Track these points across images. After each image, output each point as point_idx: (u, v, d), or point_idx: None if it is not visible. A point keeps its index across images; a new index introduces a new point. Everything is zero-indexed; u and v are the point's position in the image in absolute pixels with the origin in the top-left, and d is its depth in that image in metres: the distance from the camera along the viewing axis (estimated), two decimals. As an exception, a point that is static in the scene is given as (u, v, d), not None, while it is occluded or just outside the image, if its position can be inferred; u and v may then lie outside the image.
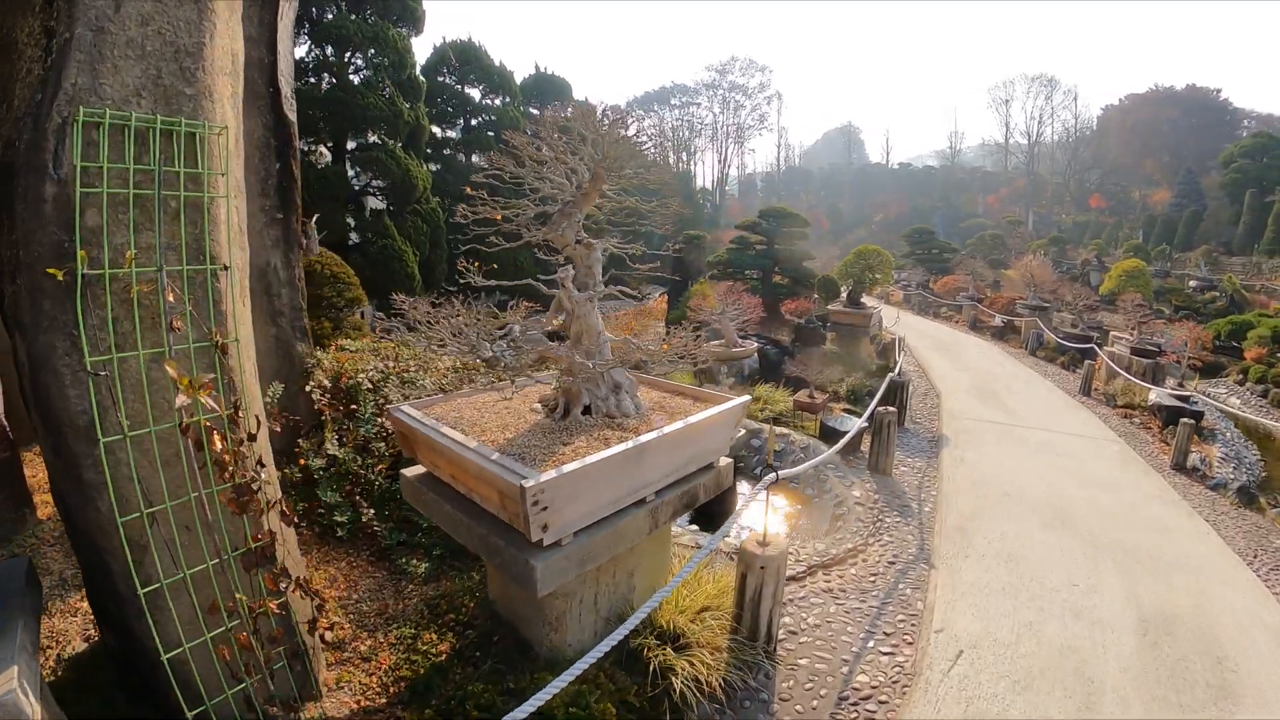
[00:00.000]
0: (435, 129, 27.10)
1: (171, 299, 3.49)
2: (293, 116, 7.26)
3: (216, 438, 3.64)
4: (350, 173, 23.81)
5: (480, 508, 4.22)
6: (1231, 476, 11.91)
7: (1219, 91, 70.08)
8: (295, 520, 4.83)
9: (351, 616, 5.26)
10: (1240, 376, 19.94)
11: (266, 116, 6.88)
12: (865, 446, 10.19)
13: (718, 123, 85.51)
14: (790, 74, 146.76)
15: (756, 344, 14.72)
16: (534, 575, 3.75)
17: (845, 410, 12.42)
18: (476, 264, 4.78)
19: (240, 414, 3.86)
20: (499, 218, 4.81)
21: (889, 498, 8.91)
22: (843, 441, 8.31)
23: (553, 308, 4.86)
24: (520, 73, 35.99)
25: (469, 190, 4.85)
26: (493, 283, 4.74)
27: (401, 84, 23.36)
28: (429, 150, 25.93)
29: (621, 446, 4.05)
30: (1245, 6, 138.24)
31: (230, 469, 3.68)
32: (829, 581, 6.60)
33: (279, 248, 7.55)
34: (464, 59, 27.24)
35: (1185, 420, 11.31)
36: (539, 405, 4.97)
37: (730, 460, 5.25)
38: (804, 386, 12.32)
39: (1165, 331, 22.11)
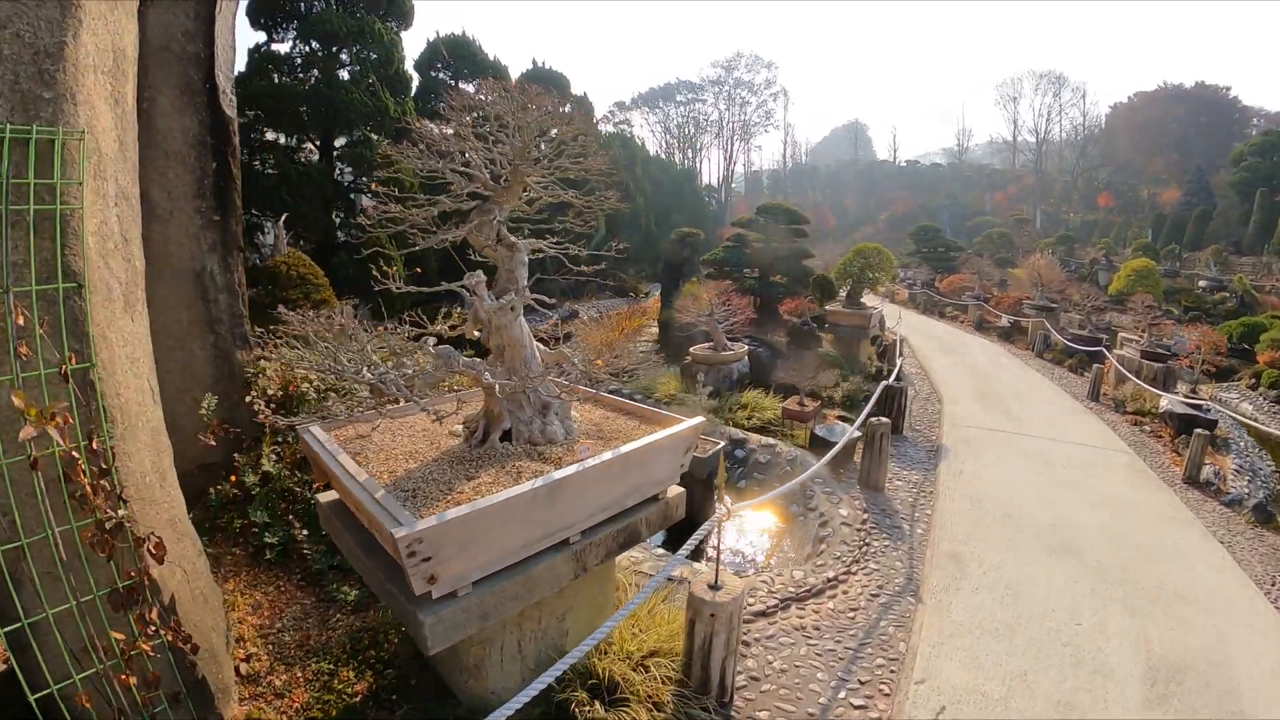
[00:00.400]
0: (431, 125, 26.57)
1: (21, 321, 3.13)
2: (232, 113, 6.86)
3: (78, 470, 3.28)
4: (338, 170, 23.29)
5: (379, 544, 3.65)
6: (1246, 492, 11.23)
7: (1228, 89, 69.57)
8: (202, 548, 4.32)
9: (271, 647, 4.83)
10: (1253, 381, 19.19)
11: (203, 114, 6.46)
12: (859, 457, 9.53)
13: (723, 120, 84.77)
14: (797, 71, 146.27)
15: (748, 346, 14.10)
16: (422, 631, 3.24)
17: (839, 418, 11.78)
18: (393, 269, 4.15)
19: (98, 444, 3.39)
20: (417, 215, 4.20)
21: (879, 517, 8.27)
22: (830, 455, 7.69)
23: (470, 318, 4.24)
24: (519, 68, 35.50)
25: (374, 187, 4.25)
26: (442, 287, 4.15)
27: (389, 79, 22.76)
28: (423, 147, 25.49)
29: (529, 485, 3.44)
30: (1254, 5, 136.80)
31: (93, 504, 3.30)
32: (803, 618, 5.97)
33: (216, 251, 7.05)
34: (456, 54, 26.65)
35: (1199, 431, 10.63)
36: (461, 428, 4.37)
37: (681, 490, 4.64)
38: (795, 393, 11.67)
39: (1176, 334, 21.45)
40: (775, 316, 19.64)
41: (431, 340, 4.21)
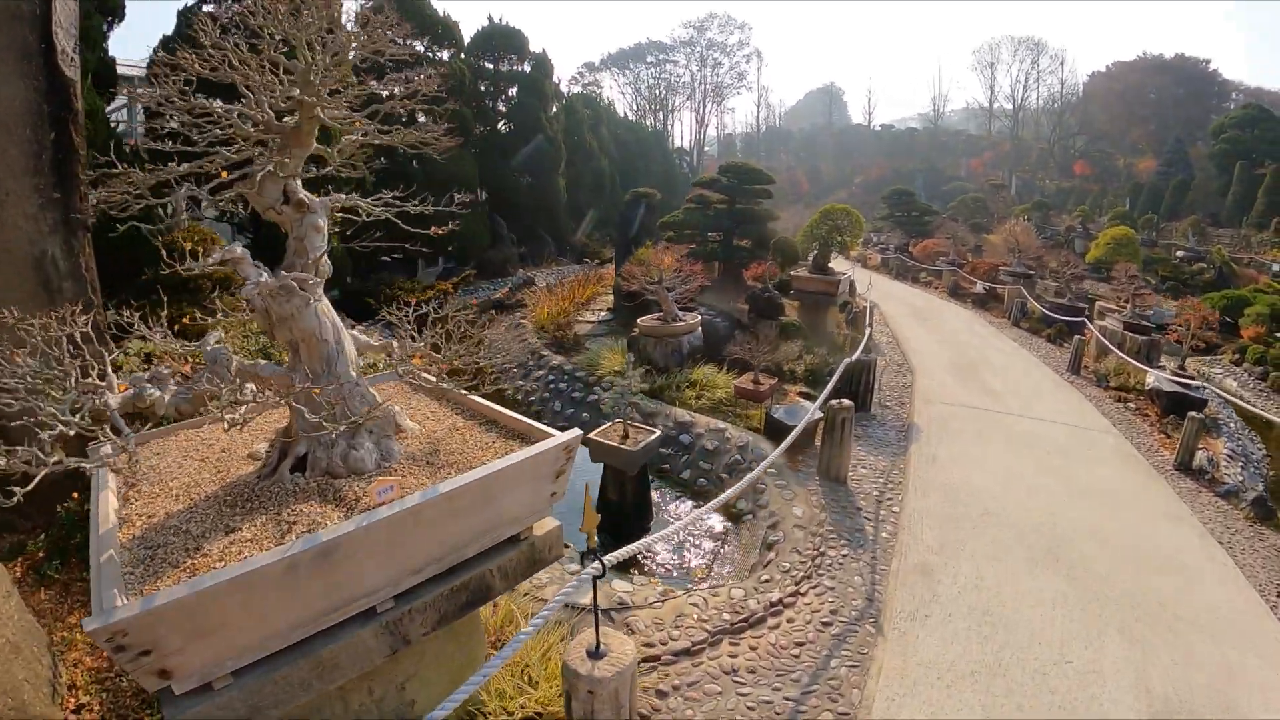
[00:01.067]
0: (382, 88, 24.66)
1: None
2: (74, 75, 5.96)
3: None
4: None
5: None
6: (1242, 480, 10.31)
7: (1208, 62, 68.57)
8: None
9: (107, 694, 4.04)
10: (1237, 356, 18.37)
11: (38, 79, 5.63)
12: (820, 441, 8.42)
13: (695, 81, 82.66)
14: (773, 33, 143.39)
15: (706, 315, 12.93)
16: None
17: (801, 395, 10.68)
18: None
19: None
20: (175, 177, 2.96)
21: (838, 516, 7.18)
22: (784, 444, 6.56)
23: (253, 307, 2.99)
24: (475, 24, 33.54)
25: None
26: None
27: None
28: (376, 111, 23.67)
29: (282, 552, 2.27)
30: None
31: None
32: (736, 656, 4.86)
33: (58, 233, 6.07)
34: (401, 8, 24.78)
35: (1193, 415, 9.64)
36: (265, 447, 3.16)
37: (556, 525, 3.49)
38: (751, 368, 10.51)
39: (1160, 306, 20.60)
40: (740, 283, 18.46)
41: (212, 338, 2.98)
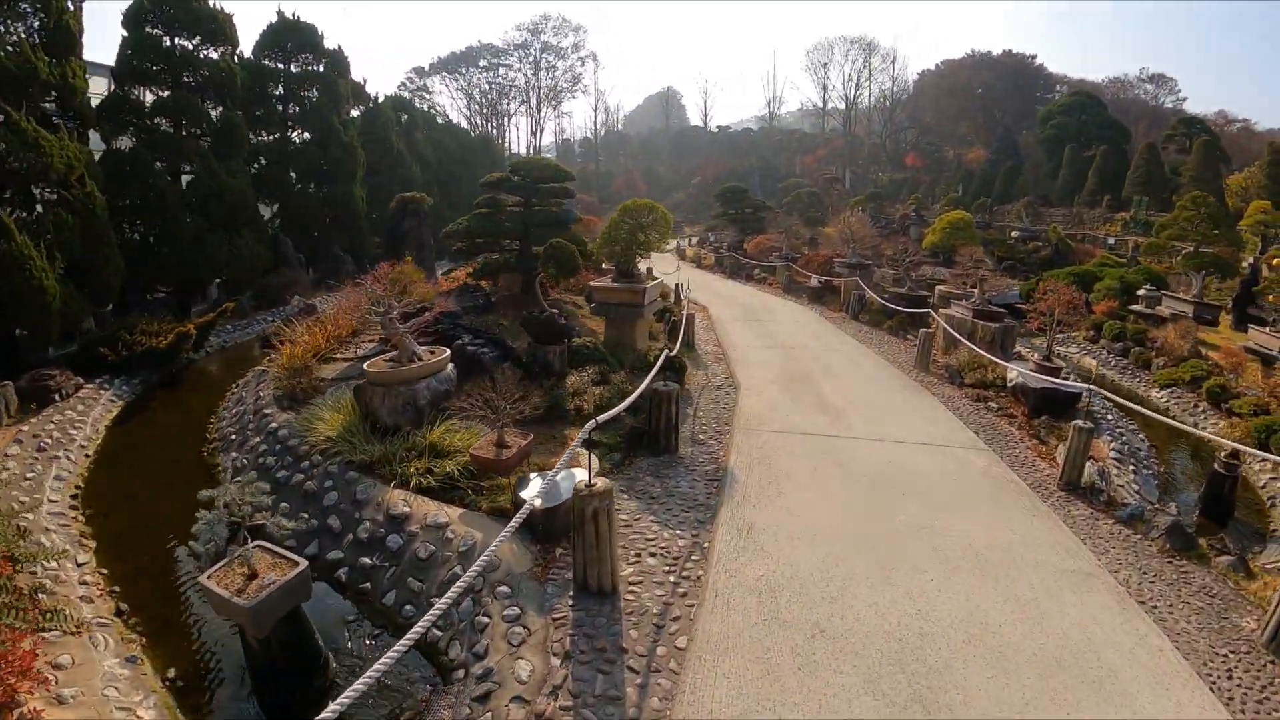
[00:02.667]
0: (150, 91, 20.38)
1: None
2: None
3: None
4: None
5: None
6: (1139, 492, 8.36)
7: (1034, 57, 72.23)
8: None
9: None
10: (1092, 333, 17.12)
11: None
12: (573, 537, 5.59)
13: (530, 85, 79.57)
14: (611, 38, 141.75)
15: (470, 347, 9.97)
16: None
17: (587, 445, 7.91)
18: None
19: None
20: None
21: (587, 671, 4.37)
22: (473, 567, 3.70)
23: None
24: (263, 19, 29.18)
25: None
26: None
27: (48, 32, 16.19)
28: (132, 120, 19.22)
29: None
30: None
31: None
32: None
33: None
34: (165, 1, 20.46)
35: (1079, 425, 7.49)
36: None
37: None
38: (522, 416, 7.60)
39: (1007, 288, 19.38)
40: (541, 297, 15.64)
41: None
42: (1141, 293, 18.73)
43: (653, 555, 5.80)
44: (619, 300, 11.82)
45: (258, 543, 5.19)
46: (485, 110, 79.88)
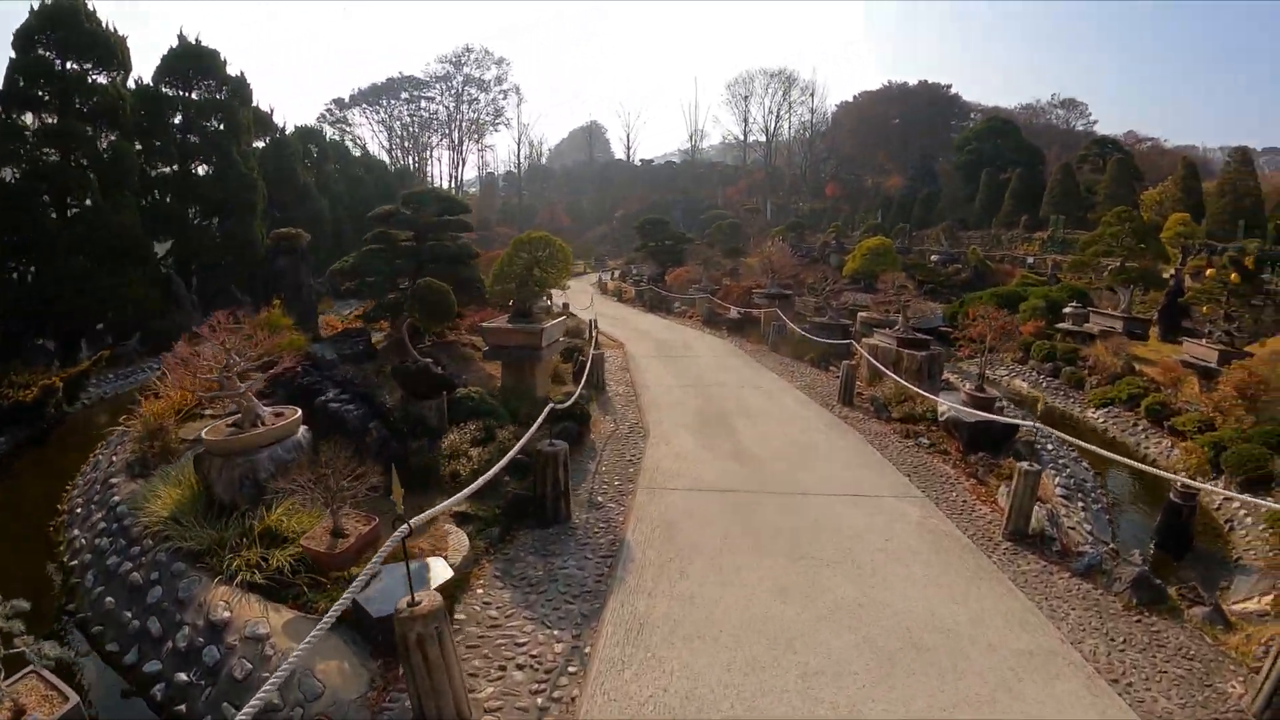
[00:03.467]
0: (40, 117, 18.52)
1: None
2: None
3: None
4: None
5: None
6: (1093, 534, 7.53)
7: (949, 87, 75.26)
8: None
9: None
10: (1020, 354, 16.61)
11: None
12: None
13: (452, 118, 78.15)
14: (535, 72, 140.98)
15: (332, 405, 8.63)
16: None
17: (461, 517, 6.73)
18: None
19: None
20: None
21: None
22: (298, 650, 2.55)
23: None
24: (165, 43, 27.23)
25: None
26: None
27: None
28: (18, 149, 17.31)
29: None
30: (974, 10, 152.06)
31: None
32: None
33: None
34: (57, 22, 18.66)
35: (1025, 468, 6.60)
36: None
37: None
38: (379, 489, 6.28)
39: (936, 310, 18.89)
40: (439, 343, 14.35)
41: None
42: (1068, 310, 18.42)
43: (521, 668, 4.60)
44: (514, 343, 10.64)
45: (30, 668, 3.95)
46: (407, 143, 78.22)
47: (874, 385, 12.52)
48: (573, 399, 9.20)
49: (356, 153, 52.43)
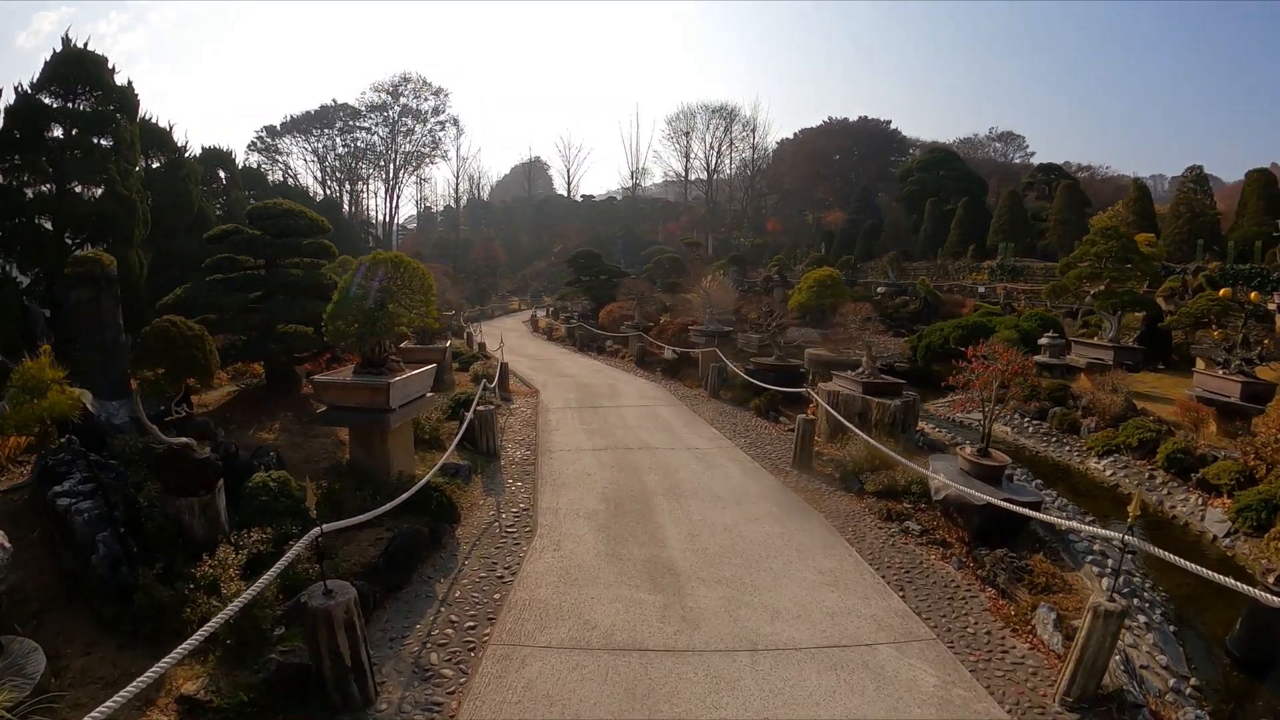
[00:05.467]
0: None
1: None
2: None
3: None
4: None
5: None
6: (1194, 708, 4.89)
7: (889, 123, 74.93)
8: None
9: None
10: (1000, 391, 14.23)
11: None
12: None
13: (389, 149, 74.71)
14: (478, 107, 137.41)
15: (72, 497, 5.69)
16: None
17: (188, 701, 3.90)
18: None
19: None
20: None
21: None
22: None
23: None
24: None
25: None
26: None
27: None
28: None
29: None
30: (908, 52, 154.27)
31: None
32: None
33: None
34: None
35: (1101, 608, 4.07)
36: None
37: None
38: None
39: (886, 347, 16.47)
40: (290, 391, 11.45)
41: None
42: (1044, 341, 16.17)
43: None
44: (356, 402, 7.78)
45: None
46: (340, 174, 74.47)
47: (836, 441, 9.99)
48: (423, 481, 6.42)
49: (291, 182, 48.83)
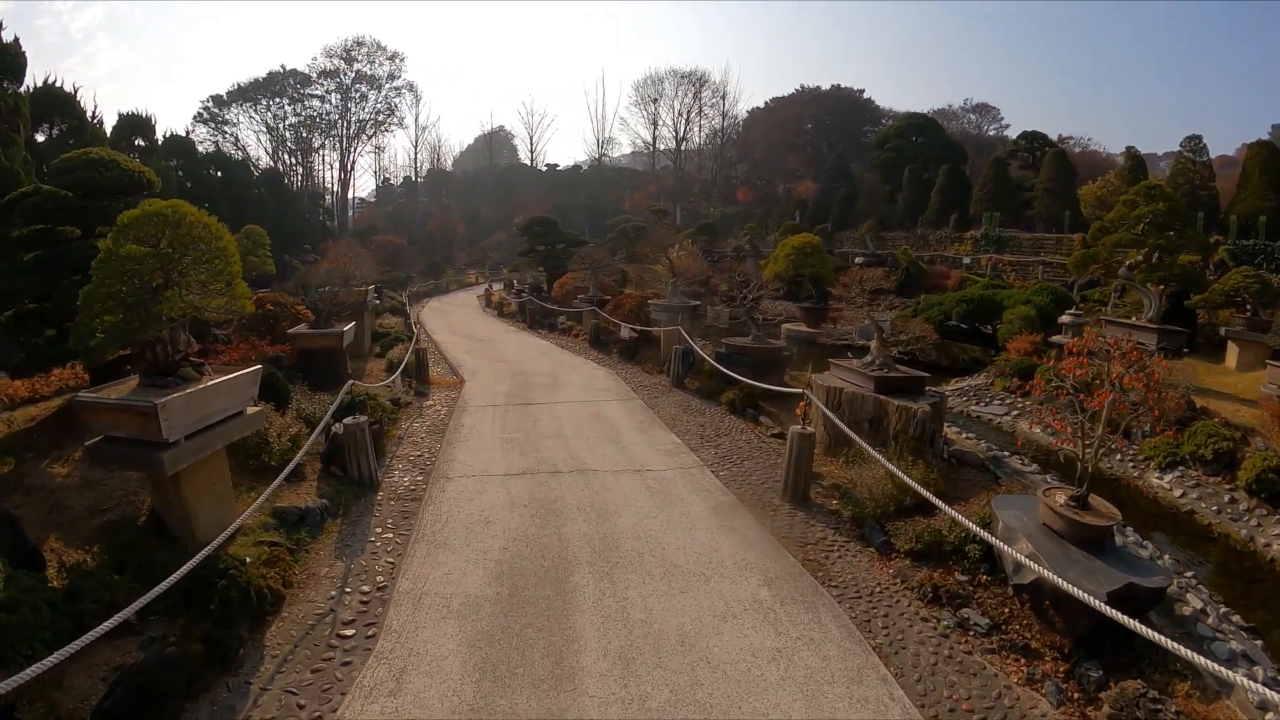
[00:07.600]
0: None
1: None
2: None
3: None
4: None
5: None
6: None
7: (861, 91, 72.39)
8: None
9: None
10: (1015, 380, 11.71)
11: None
12: None
13: (343, 118, 70.35)
14: (443, 76, 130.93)
15: None
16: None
17: None
18: None
19: None
20: None
21: None
22: None
23: None
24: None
25: None
26: None
27: None
28: None
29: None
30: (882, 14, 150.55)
31: None
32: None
33: None
34: None
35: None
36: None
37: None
38: None
39: (884, 320, 13.99)
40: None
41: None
42: (1066, 320, 13.67)
43: None
44: (126, 432, 5.01)
45: None
46: (293, 146, 70.07)
47: (838, 456, 7.43)
48: (208, 550, 3.74)
49: (238, 155, 44.94)
